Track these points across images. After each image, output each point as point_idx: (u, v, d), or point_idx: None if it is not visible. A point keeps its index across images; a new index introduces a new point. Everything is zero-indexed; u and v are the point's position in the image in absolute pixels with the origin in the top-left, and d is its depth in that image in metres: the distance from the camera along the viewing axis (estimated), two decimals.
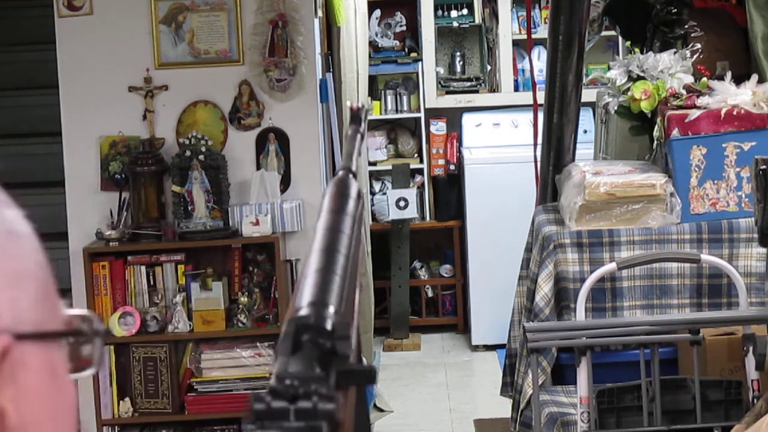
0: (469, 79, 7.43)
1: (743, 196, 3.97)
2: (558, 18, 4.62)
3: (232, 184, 4.62)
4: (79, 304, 4.64)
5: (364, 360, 1.15)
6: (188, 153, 4.56)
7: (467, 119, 7.28)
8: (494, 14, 7.38)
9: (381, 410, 5.65)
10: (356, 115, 1.47)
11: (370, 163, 7.09)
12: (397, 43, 7.39)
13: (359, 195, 1.18)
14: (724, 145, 3.96)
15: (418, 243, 7.36)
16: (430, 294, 7.39)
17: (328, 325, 0.79)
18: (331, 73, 5.11)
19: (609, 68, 4.48)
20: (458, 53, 7.48)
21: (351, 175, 1.21)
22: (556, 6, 4.66)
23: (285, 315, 0.92)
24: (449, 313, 7.39)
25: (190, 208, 4.56)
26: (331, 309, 0.81)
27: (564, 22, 4.59)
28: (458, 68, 7.47)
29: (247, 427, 0.75)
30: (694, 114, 3.96)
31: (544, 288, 3.96)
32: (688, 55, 4.37)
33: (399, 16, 7.38)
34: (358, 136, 1.42)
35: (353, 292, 0.96)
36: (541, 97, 4.95)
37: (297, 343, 0.78)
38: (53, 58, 4.77)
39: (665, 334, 3.43)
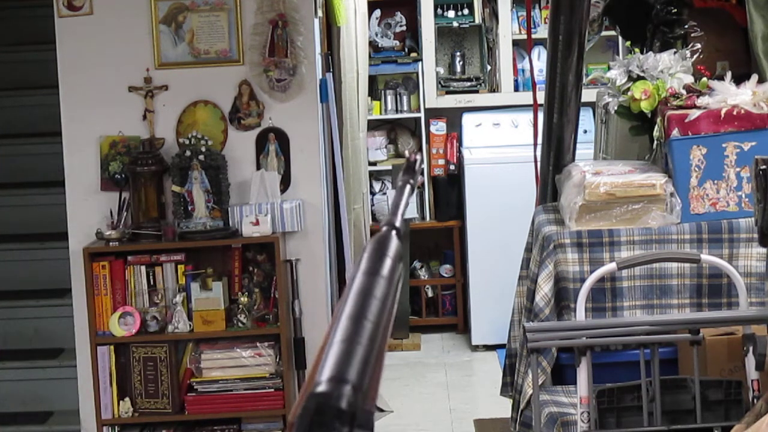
0: (469, 79, 7.43)
1: (743, 196, 3.97)
2: (558, 18, 4.62)
3: (232, 184, 4.62)
4: (79, 304, 4.64)
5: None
6: (188, 153, 4.56)
7: (467, 119, 7.28)
8: (494, 14, 7.38)
9: (381, 410, 5.65)
10: (411, 166, 1.39)
11: (370, 163, 7.09)
12: (397, 43, 7.39)
13: (400, 255, 1.11)
14: (724, 145, 3.96)
15: (418, 243, 7.36)
16: (430, 294, 7.39)
17: (344, 404, 0.77)
18: (331, 73, 5.11)
19: (609, 68, 4.48)
20: (458, 53, 7.48)
21: (394, 232, 1.14)
22: (556, 6, 4.66)
23: (307, 381, 0.87)
24: (449, 313, 7.39)
25: (190, 208, 4.56)
26: (348, 388, 0.79)
27: (564, 22, 4.59)
28: (458, 68, 7.47)
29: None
30: (694, 114, 3.96)
31: (544, 288, 3.96)
32: (688, 55, 4.36)
33: (399, 16, 7.38)
34: (408, 188, 1.32)
35: (381, 360, 0.92)
36: (541, 97, 4.95)
37: (314, 422, 0.76)
38: (53, 58, 4.77)
39: (665, 334, 3.43)
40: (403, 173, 1.37)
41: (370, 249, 1.08)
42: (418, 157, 1.41)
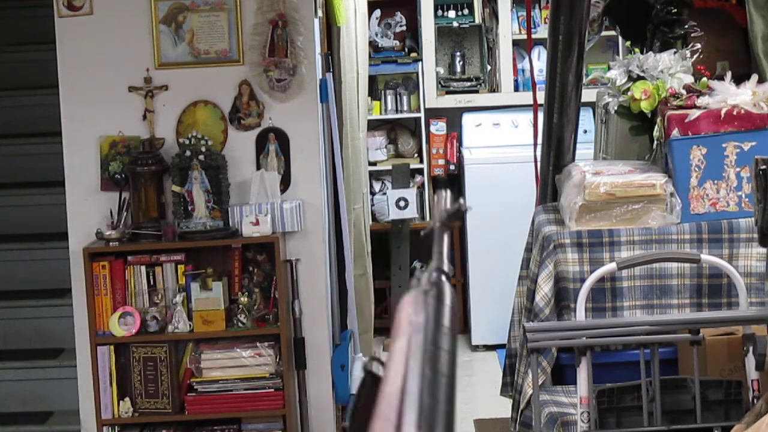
0: (469, 79, 7.43)
1: (743, 196, 3.97)
2: (558, 18, 4.62)
3: (232, 184, 4.62)
4: (79, 304, 4.64)
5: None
6: (188, 153, 4.56)
7: (467, 119, 7.28)
8: (494, 14, 7.38)
9: None
10: (459, 212, 1.36)
11: (370, 163, 7.09)
12: (397, 43, 7.39)
13: (453, 301, 1.09)
14: (724, 145, 3.96)
15: (418, 243, 7.36)
16: None
17: None
18: (331, 73, 5.11)
19: (609, 68, 4.48)
20: (458, 53, 7.48)
21: (445, 278, 1.12)
22: (556, 6, 4.66)
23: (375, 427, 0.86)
24: None
25: (190, 208, 4.56)
26: None
27: (564, 22, 4.59)
28: (458, 68, 7.47)
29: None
30: (694, 114, 3.96)
31: (544, 288, 3.96)
32: (688, 55, 4.36)
33: (399, 16, 7.38)
34: (447, 234, 1.30)
35: (454, 411, 0.92)
36: (541, 97, 4.95)
37: None
38: (53, 58, 4.76)
39: (665, 334, 3.43)
40: (445, 221, 1.34)
41: (430, 296, 1.06)
42: (468, 207, 1.41)
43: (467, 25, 7.47)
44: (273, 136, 4.70)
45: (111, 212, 4.63)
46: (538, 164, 4.95)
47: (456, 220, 1.38)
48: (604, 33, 5.66)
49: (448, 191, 1.41)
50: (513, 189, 6.62)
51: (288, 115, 4.71)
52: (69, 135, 4.73)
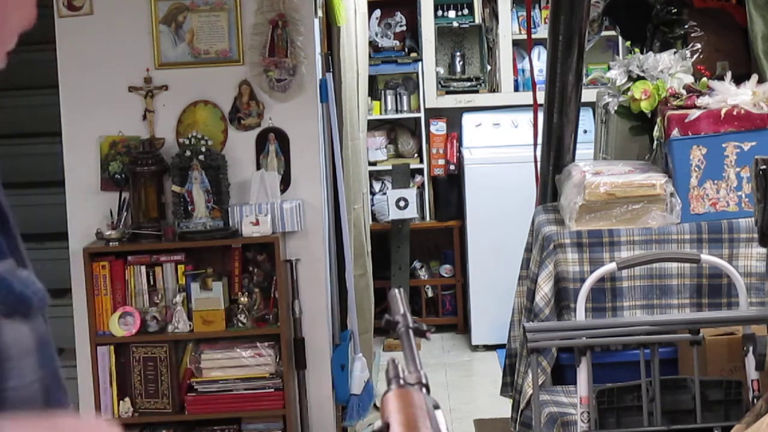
0: (469, 79, 7.43)
1: (743, 196, 3.97)
2: (558, 18, 4.62)
3: (232, 184, 4.62)
4: (79, 304, 4.64)
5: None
6: (188, 153, 4.56)
7: (467, 119, 7.29)
8: (494, 14, 7.39)
9: (379, 408, 5.65)
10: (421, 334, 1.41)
11: (370, 163, 7.09)
12: (397, 43, 7.40)
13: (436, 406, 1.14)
14: (724, 145, 3.96)
15: (418, 243, 7.36)
16: (430, 294, 7.39)
17: None
18: (331, 73, 5.11)
19: (609, 68, 4.48)
20: (458, 53, 7.48)
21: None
22: (556, 6, 4.66)
23: None
24: (449, 313, 7.39)
25: (190, 208, 4.56)
26: None
27: (564, 22, 4.59)
28: (458, 68, 7.47)
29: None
30: (694, 114, 3.96)
31: (544, 288, 3.96)
32: (688, 55, 4.37)
33: (399, 16, 7.39)
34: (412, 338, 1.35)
35: None
36: (541, 97, 4.96)
37: None
38: (53, 58, 4.76)
39: (665, 334, 3.43)
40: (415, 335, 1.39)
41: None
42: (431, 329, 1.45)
43: (467, 25, 7.47)
44: (273, 136, 4.71)
45: (111, 212, 4.63)
46: (538, 164, 4.95)
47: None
48: (604, 33, 5.66)
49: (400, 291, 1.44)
50: (513, 189, 6.62)
51: (288, 115, 4.71)
52: (69, 135, 4.73)
